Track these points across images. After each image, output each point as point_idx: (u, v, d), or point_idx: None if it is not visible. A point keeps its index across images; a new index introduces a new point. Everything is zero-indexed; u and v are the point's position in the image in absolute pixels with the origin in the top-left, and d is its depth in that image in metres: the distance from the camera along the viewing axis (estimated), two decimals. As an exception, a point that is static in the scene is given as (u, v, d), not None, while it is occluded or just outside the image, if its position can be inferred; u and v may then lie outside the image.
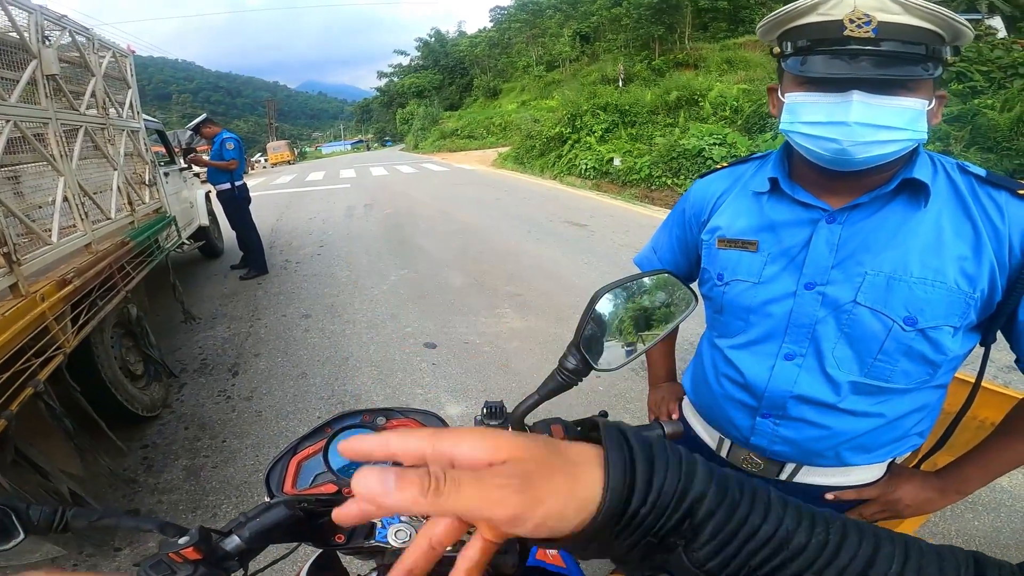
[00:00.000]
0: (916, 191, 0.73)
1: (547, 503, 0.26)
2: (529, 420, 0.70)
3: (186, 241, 4.92)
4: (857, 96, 0.66)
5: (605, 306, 0.64)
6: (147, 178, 3.68)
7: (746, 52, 16.23)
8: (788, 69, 0.73)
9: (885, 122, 0.67)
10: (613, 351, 0.65)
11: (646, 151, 9.84)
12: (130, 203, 3.13)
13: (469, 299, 4.42)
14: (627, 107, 11.83)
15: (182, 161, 5.36)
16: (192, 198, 5.49)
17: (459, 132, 27.62)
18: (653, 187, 8.94)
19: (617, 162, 10.01)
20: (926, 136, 0.70)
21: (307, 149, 59.06)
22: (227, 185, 5.12)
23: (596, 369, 0.63)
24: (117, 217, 2.85)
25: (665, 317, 0.69)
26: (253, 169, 28.07)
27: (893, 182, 0.73)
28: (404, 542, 0.65)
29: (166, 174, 4.44)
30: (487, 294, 4.53)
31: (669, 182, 8.68)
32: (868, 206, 0.76)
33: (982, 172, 0.74)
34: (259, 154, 40.05)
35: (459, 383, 3.02)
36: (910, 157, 0.75)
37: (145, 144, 3.76)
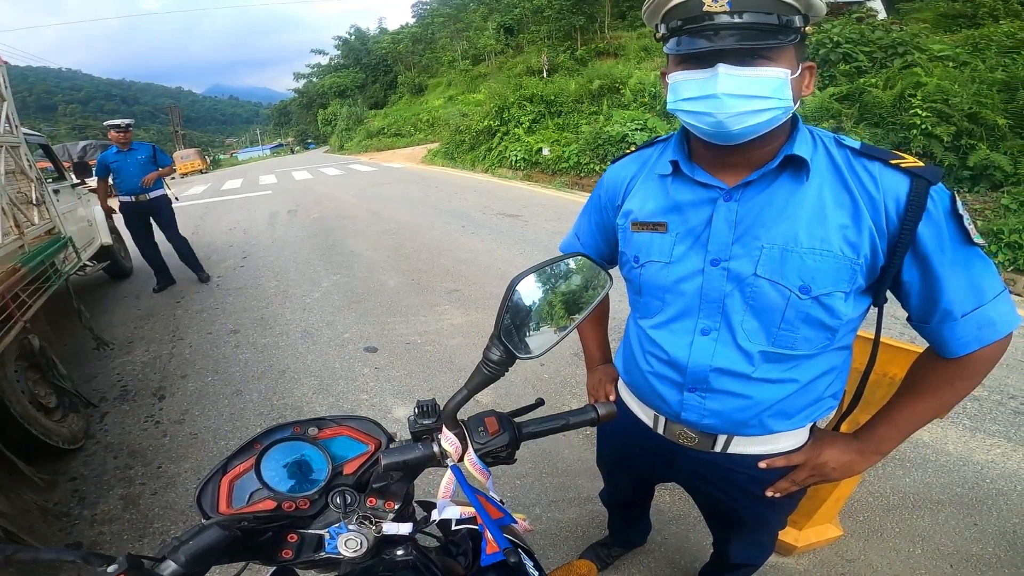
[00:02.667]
0: (798, 167, 0.79)
1: None
2: (463, 415, 0.71)
3: (88, 262, 4.56)
4: (722, 68, 0.71)
5: (523, 294, 0.65)
6: (34, 197, 3.39)
7: (662, 39, 16.96)
8: (666, 50, 0.78)
9: (751, 91, 0.72)
10: (536, 338, 0.66)
11: (573, 139, 10.07)
12: (17, 225, 2.88)
13: (407, 299, 4.41)
14: (553, 97, 12.07)
15: (73, 176, 4.94)
16: (90, 216, 5.08)
17: (386, 130, 27.00)
18: (582, 174, 9.23)
19: (546, 152, 10.22)
20: (791, 104, 0.75)
21: (221, 156, 55.41)
22: (162, 191, 4.90)
23: (520, 358, 0.64)
24: (4, 242, 2.63)
25: (582, 299, 0.70)
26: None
27: (777, 159, 0.79)
28: (356, 551, 0.65)
29: (56, 191, 4.10)
30: (425, 292, 4.54)
31: (597, 168, 8.98)
32: (758, 183, 0.81)
33: (857, 144, 0.80)
34: (166, 165, 37.09)
35: (404, 385, 3.03)
36: (791, 134, 0.81)
37: (28, 160, 3.45)
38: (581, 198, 8.03)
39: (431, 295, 4.46)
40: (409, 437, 0.73)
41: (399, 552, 0.68)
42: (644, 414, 1.08)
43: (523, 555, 0.76)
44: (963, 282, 0.75)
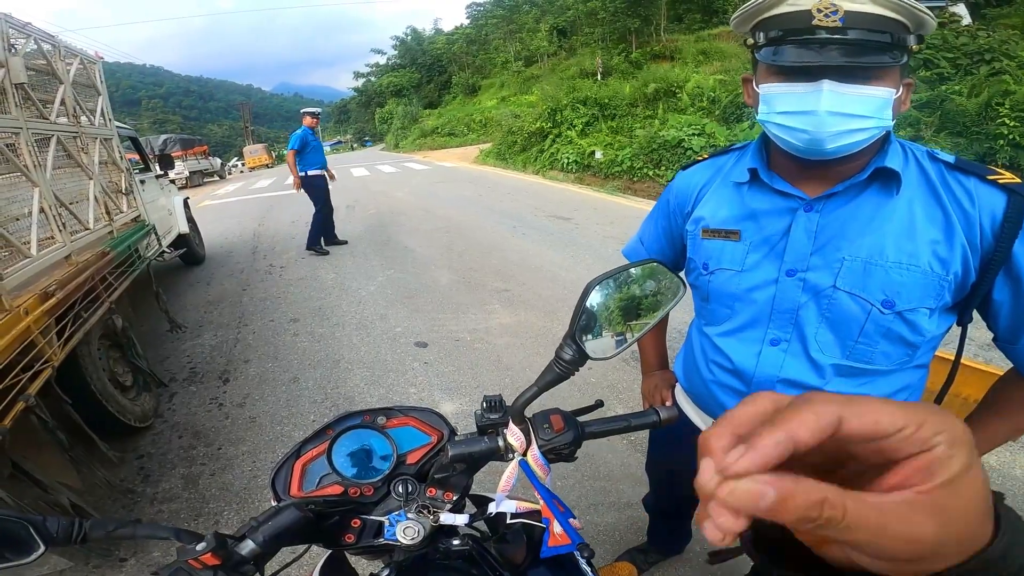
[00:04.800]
0: (888, 179, 0.76)
1: (949, 546, 0.22)
2: (528, 412, 0.71)
3: (167, 249, 4.84)
4: (827, 85, 0.68)
5: (597, 297, 0.65)
6: (123, 186, 3.61)
7: (720, 43, 16.42)
8: (761, 59, 0.75)
9: (853, 111, 0.69)
10: (606, 341, 0.66)
11: (627, 143, 9.89)
12: (108, 212, 3.07)
13: (457, 296, 4.43)
14: (606, 100, 11.92)
15: (157, 167, 5.26)
16: (170, 205, 5.39)
17: (439, 130, 27.42)
18: (635, 179, 9.03)
19: (599, 155, 10.10)
20: (891, 125, 0.72)
21: (285, 152, 57.94)
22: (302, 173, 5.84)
23: (592, 359, 0.64)
24: (95, 227, 2.81)
25: (655, 305, 0.70)
26: (230, 174, 27.52)
27: (866, 171, 0.75)
28: (413, 539, 0.66)
29: (142, 181, 4.36)
30: (475, 291, 4.54)
31: (651, 173, 8.77)
32: (843, 195, 0.78)
33: (951, 159, 0.77)
34: (236, 158, 39.28)
35: (452, 381, 3.04)
36: (882, 146, 0.77)
37: (119, 152, 3.68)
38: (633, 203, 7.86)
39: (481, 293, 4.46)
40: (470, 431, 0.74)
41: (455, 542, 0.69)
42: (702, 422, 1.06)
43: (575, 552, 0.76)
44: None
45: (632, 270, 0.69)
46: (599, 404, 0.81)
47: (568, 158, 10.88)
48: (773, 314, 0.85)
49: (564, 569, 0.70)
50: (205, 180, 19.26)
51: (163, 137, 17.29)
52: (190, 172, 17.46)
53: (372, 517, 0.70)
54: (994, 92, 5.67)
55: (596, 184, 9.70)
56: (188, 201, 5.86)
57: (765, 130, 0.80)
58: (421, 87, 44.94)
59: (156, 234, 3.96)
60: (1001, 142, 5.30)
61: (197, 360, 3.59)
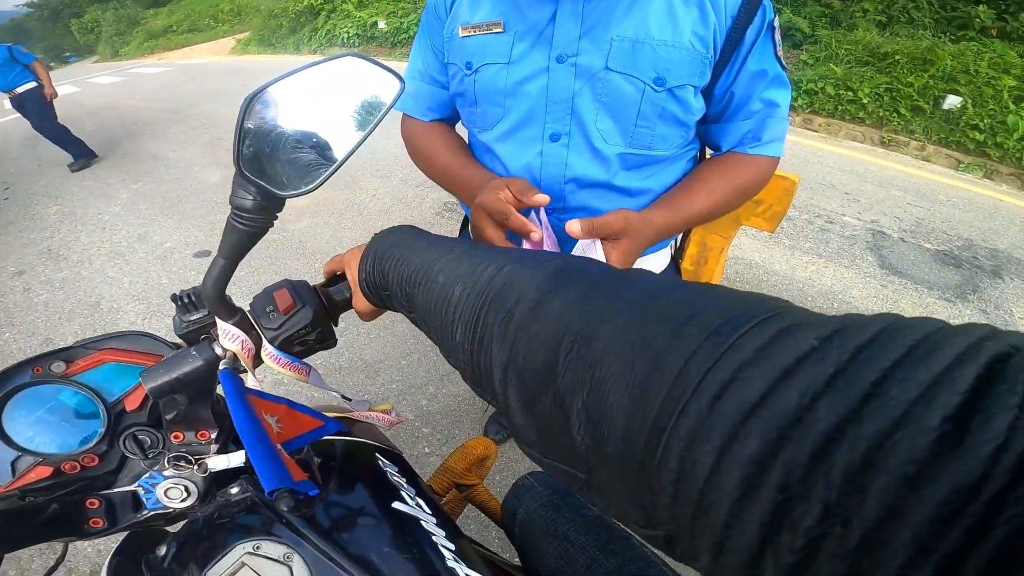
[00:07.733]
0: None
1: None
2: (238, 292, 0.59)
3: None
4: None
5: (271, 110, 0.47)
6: None
7: None
8: None
9: None
10: (302, 167, 0.50)
11: (411, 8, 9.82)
12: None
13: (235, 192, 4.00)
14: (384, -33, 11.38)
15: None
16: None
17: (175, 28, 23.08)
18: (425, 44, 9.05)
19: (382, 25, 9.95)
20: None
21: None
22: (30, 84, 5.05)
23: (284, 195, 0.48)
24: None
25: (368, 108, 0.53)
26: None
27: None
28: (185, 500, 0.57)
29: None
30: (256, 182, 4.14)
31: (440, 36, 8.82)
32: None
33: None
34: None
35: (254, 282, 2.82)
36: None
37: None
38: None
39: (265, 183, 4.08)
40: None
41: (233, 490, 0.58)
42: None
43: (382, 460, 0.67)
44: (761, 89, 0.85)
45: (319, 67, 0.51)
46: None
47: (349, 32, 10.53)
48: (548, 105, 0.85)
49: (376, 486, 0.61)
50: None
51: None
52: None
53: (116, 490, 0.58)
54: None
55: (383, 54, 9.54)
56: None
57: None
58: (134, -15, 36.80)
59: None
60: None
61: None
